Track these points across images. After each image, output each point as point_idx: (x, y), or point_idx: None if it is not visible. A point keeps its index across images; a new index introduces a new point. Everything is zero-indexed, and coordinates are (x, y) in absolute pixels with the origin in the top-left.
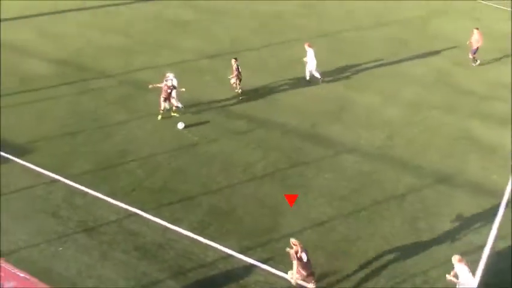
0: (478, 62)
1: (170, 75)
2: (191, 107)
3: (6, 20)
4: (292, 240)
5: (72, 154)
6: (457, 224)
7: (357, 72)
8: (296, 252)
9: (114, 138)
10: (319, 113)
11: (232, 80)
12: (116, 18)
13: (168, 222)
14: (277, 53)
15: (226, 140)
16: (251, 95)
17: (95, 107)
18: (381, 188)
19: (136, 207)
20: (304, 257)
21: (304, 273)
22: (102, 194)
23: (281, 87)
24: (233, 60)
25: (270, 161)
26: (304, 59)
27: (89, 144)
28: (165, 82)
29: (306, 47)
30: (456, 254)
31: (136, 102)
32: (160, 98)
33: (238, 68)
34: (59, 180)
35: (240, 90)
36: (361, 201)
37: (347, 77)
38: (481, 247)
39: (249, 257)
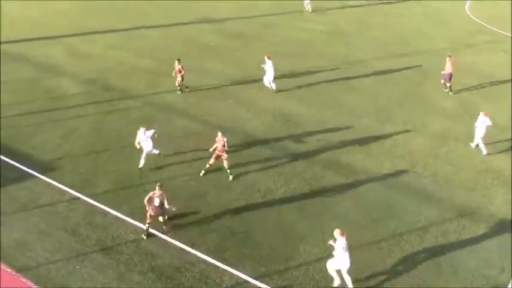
0: (449, 91)
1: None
2: (212, 130)
3: (39, 39)
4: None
5: (94, 173)
6: (479, 260)
7: (381, 101)
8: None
9: (136, 158)
10: (343, 141)
11: (178, 81)
12: (145, 41)
13: (186, 245)
14: (303, 80)
15: (248, 165)
16: (277, 121)
17: (119, 127)
18: (402, 219)
19: (154, 229)
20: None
21: None
22: (122, 213)
23: (306, 115)
24: (176, 62)
25: (290, 188)
26: (263, 65)
27: (112, 164)
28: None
29: (266, 58)
30: None
31: (160, 123)
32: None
33: (181, 69)
34: (80, 198)
35: (180, 90)
36: (381, 232)
37: (372, 105)
38: (505, 285)
39: (266, 284)
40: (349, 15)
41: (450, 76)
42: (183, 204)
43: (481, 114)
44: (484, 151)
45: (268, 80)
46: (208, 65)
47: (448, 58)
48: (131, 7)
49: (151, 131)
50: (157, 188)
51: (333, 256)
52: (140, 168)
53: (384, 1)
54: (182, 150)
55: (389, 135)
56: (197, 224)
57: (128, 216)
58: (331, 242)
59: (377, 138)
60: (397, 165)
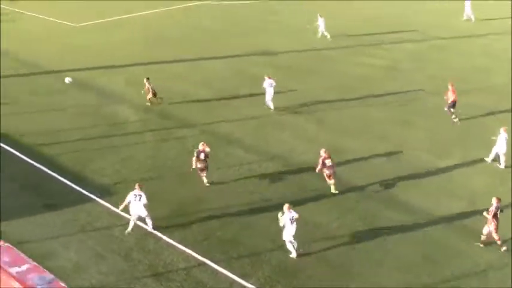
0: (456, 118)
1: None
2: (266, 161)
3: (103, 67)
4: None
5: (149, 198)
6: None
7: (437, 136)
8: None
9: (191, 186)
10: (398, 176)
11: (148, 96)
12: (202, 72)
13: (236, 276)
14: (355, 113)
15: (300, 197)
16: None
17: (175, 155)
18: (461, 261)
19: (206, 257)
20: None
21: None
22: (174, 240)
23: (358, 148)
24: (145, 80)
25: (344, 222)
26: (264, 86)
27: (166, 191)
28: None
29: (266, 78)
30: None
31: (216, 153)
32: None
33: (150, 87)
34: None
35: (154, 101)
36: (438, 274)
37: (428, 141)
38: None
39: None
40: (407, 50)
41: (454, 103)
42: (236, 233)
43: (502, 129)
44: (502, 165)
45: (267, 99)
46: (264, 96)
47: (450, 86)
48: (193, 40)
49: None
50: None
51: (283, 228)
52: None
53: (443, 37)
54: (234, 178)
55: (447, 171)
56: (248, 255)
57: (180, 244)
58: (279, 215)
59: (433, 174)
60: (455, 204)
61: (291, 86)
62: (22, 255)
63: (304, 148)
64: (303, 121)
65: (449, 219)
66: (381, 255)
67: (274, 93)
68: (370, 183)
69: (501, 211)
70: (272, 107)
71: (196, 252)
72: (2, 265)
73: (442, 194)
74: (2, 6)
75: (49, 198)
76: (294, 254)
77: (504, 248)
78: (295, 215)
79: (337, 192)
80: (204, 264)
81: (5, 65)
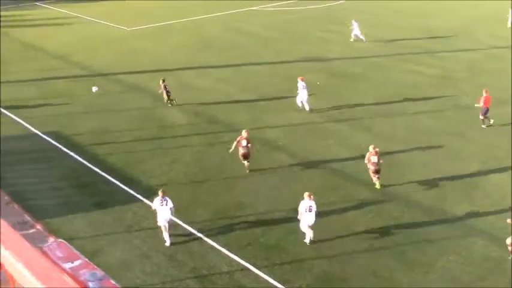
0: (491, 121)
1: None
2: (311, 167)
3: (155, 71)
4: None
5: (194, 201)
6: None
7: (491, 149)
8: None
9: (235, 190)
10: (447, 188)
11: (165, 98)
12: (251, 77)
13: (278, 282)
14: (405, 122)
15: (345, 205)
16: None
17: (221, 159)
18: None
19: (249, 262)
20: None
21: None
22: (218, 244)
23: (409, 158)
24: (160, 81)
25: (389, 233)
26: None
27: (211, 194)
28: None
29: (299, 80)
30: None
31: (261, 158)
32: None
33: (166, 87)
34: (180, 225)
35: (169, 103)
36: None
37: (481, 152)
38: None
39: None
40: (462, 59)
41: (487, 110)
42: (279, 239)
43: None
44: None
45: (301, 100)
46: (310, 102)
47: (484, 93)
48: (243, 45)
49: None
50: (244, 131)
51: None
52: None
53: (500, 46)
54: (278, 184)
55: (499, 186)
56: (290, 261)
57: (224, 248)
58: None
59: (484, 187)
60: (506, 219)
61: (341, 92)
62: (74, 251)
63: (349, 156)
64: (350, 128)
65: (499, 233)
66: (426, 268)
67: (309, 95)
68: (418, 193)
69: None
70: (307, 108)
71: (240, 257)
72: (55, 260)
73: (493, 207)
74: (64, 11)
75: (98, 196)
76: (307, 240)
77: None
78: (313, 206)
79: (379, 187)
80: (247, 269)
81: (62, 66)
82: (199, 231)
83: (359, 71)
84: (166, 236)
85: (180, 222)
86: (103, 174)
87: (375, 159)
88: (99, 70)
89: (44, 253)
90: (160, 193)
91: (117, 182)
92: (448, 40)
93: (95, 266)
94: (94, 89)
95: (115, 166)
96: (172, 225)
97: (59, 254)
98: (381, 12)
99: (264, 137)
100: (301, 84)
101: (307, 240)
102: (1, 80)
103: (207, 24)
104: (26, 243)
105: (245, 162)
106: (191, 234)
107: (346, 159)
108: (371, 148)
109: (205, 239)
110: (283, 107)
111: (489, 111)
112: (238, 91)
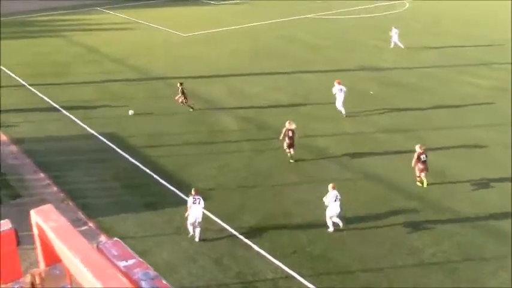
0: None
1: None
2: (362, 179)
3: (208, 76)
4: None
5: (242, 207)
6: None
7: None
8: None
9: (282, 198)
10: (504, 204)
11: (180, 100)
12: (303, 85)
13: None
14: (458, 135)
15: (395, 218)
16: (429, 175)
17: (270, 166)
18: None
19: (293, 270)
20: None
21: None
22: (264, 250)
23: (463, 171)
24: (178, 84)
25: (440, 249)
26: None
27: (259, 200)
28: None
29: (335, 83)
30: None
31: (310, 166)
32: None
33: (183, 90)
34: (226, 230)
35: (189, 107)
36: None
37: None
38: None
39: None
40: None
41: None
42: (325, 249)
43: None
44: None
45: (339, 104)
46: (365, 112)
47: None
48: (296, 53)
49: None
50: (287, 123)
51: (327, 207)
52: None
53: None
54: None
55: None
56: (336, 272)
57: (270, 254)
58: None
59: None
60: None
61: (394, 102)
62: (128, 249)
63: (401, 167)
64: (403, 139)
65: None
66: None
67: (344, 99)
68: (473, 211)
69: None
70: (343, 111)
71: (285, 265)
72: (110, 258)
73: None
74: (123, 16)
75: (149, 197)
76: (331, 229)
77: None
78: (339, 195)
79: (426, 186)
80: (292, 277)
81: (120, 70)
82: (245, 236)
83: (413, 81)
84: (196, 233)
85: (227, 227)
86: (154, 176)
87: (424, 157)
88: (155, 74)
89: (100, 250)
90: (193, 192)
91: (168, 185)
92: (505, 52)
93: (148, 266)
94: (130, 112)
95: (166, 168)
96: (201, 222)
97: (114, 252)
98: (437, 20)
99: (314, 145)
100: (337, 87)
101: (330, 230)
102: (62, 82)
103: (261, 31)
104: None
105: (289, 151)
106: (237, 239)
107: (397, 171)
108: (417, 148)
109: (252, 244)
110: (334, 115)
111: None
112: (290, 98)
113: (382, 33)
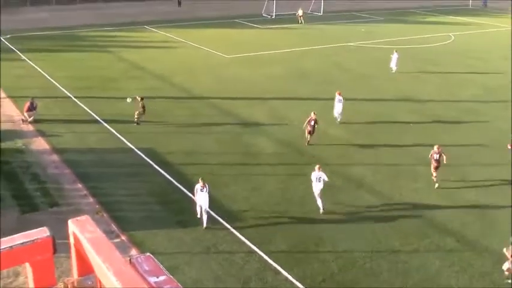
0: None
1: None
2: (397, 210)
3: (248, 98)
4: None
5: (273, 231)
6: None
7: None
8: None
9: (315, 225)
10: None
11: (136, 115)
12: (344, 114)
13: None
14: (502, 173)
15: (429, 254)
16: (469, 214)
17: (304, 192)
18: None
19: None
20: None
21: None
22: (293, 276)
23: (505, 213)
24: (139, 98)
25: None
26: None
27: (291, 226)
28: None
29: (336, 94)
30: None
31: (345, 195)
32: None
33: (143, 105)
34: (256, 253)
35: (136, 121)
36: None
37: None
38: None
39: None
40: None
41: None
42: (356, 279)
43: None
44: None
45: (337, 112)
46: (403, 143)
47: None
48: (337, 79)
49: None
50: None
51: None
52: None
53: None
54: (360, 223)
55: None
56: None
57: (298, 281)
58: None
59: None
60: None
61: (436, 136)
62: (160, 265)
63: (439, 202)
64: (442, 174)
65: None
66: None
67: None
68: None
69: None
70: (339, 119)
71: None
72: (142, 273)
73: None
74: (169, 35)
75: (182, 215)
76: (321, 210)
77: None
78: (323, 176)
79: (437, 187)
80: None
81: (162, 87)
82: (275, 261)
83: (453, 114)
84: (204, 218)
85: (257, 250)
86: (188, 193)
87: (437, 156)
88: (196, 93)
89: (132, 264)
90: (200, 181)
91: None
92: None
93: (178, 284)
94: (128, 99)
95: None
96: (208, 210)
97: (145, 267)
98: (485, 57)
99: (350, 174)
100: (338, 98)
101: (321, 211)
102: (106, 96)
103: (303, 56)
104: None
105: (308, 136)
106: (267, 263)
107: (435, 206)
108: (435, 148)
109: (281, 270)
110: (372, 144)
111: None
112: (327, 125)
113: (427, 64)
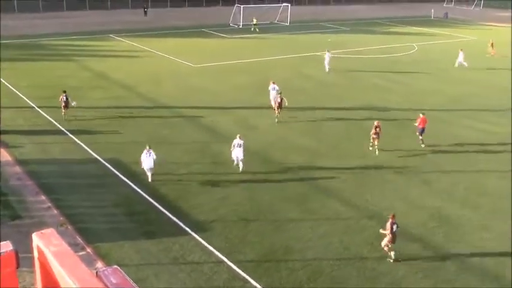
0: (423, 144)
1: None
2: (364, 218)
3: (214, 107)
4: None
5: (241, 240)
6: None
7: None
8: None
9: (283, 233)
10: (507, 256)
11: (62, 110)
12: (312, 122)
13: None
14: (471, 181)
15: (397, 263)
16: (427, 217)
17: (271, 200)
18: None
19: None
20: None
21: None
22: (262, 286)
23: (468, 218)
24: (63, 93)
25: None
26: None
27: (258, 234)
28: None
29: (271, 83)
30: None
31: (313, 203)
32: None
33: (66, 98)
34: (224, 262)
35: (64, 115)
36: None
37: None
38: None
39: None
40: None
41: (422, 130)
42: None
43: None
44: None
45: (272, 99)
46: (366, 151)
47: (421, 114)
48: (304, 89)
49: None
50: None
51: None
52: None
53: None
54: (329, 232)
55: None
56: None
57: None
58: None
59: None
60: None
61: (399, 142)
62: (127, 278)
63: (404, 209)
64: (407, 180)
65: None
66: None
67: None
68: (473, 257)
69: (397, 227)
70: (273, 104)
71: None
72: (109, 286)
73: None
74: (135, 44)
75: (148, 226)
76: (240, 170)
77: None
78: (242, 143)
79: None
80: None
81: (128, 96)
82: (243, 270)
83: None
84: (149, 175)
85: (225, 259)
86: (155, 204)
87: (377, 130)
88: (162, 102)
89: (99, 277)
90: (147, 147)
91: (168, 213)
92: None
93: None
94: (73, 103)
95: (167, 197)
96: (153, 169)
97: (112, 279)
98: (447, 67)
99: (317, 182)
100: (272, 86)
101: (240, 169)
102: (70, 106)
103: (270, 66)
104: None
105: (278, 111)
106: (236, 272)
107: (401, 213)
108: (376, 123)
109: (249, 279)
110: (341, 152)
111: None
112: (295, 134)
113: (391, 73)
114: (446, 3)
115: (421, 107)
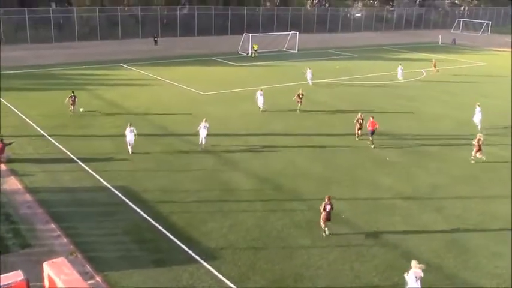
0: (372, 145)
1: None
2: (376, 246)
3: (223, 135)
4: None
5: (251, 267)
6: None
7: None
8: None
9: (293, 261)
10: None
11: (70, 108)
12: (319, 149)
13: None
14: (484, 208)
15: None
16: (439, 243)
17: (282, 227)
18: None
19: None
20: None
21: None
22: None
23: (480, 245)
24: (71, 93)
25: None
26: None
27: (269, 262)
28: None
29: (259, 91)
30: None
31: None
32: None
33: (74, 98)
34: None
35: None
36: None
37: None
38: None
39: None
40: None
41: (373, 132)
42: None
43: None
44: None
45: (260, 104)
46: (378, 179)
47: (371, 117)
48: (312, 115)
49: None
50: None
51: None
52: None
53: None
54: (340, 260)
55: None
56: None
57: None
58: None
59: None
60: None
61: (411, 170)
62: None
63: (415, 235)
64: (419, 207)
65: None
66: None
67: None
68: (486, 283)
69: (332, 208)
70: (261, 107)
71: None
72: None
73: None
74: (145, 72)
75: (158, 254)
76: (202, 146)
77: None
78: (208, 126)
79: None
80: None
81: (138, 124)
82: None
83: (433, 150)
84: (129, 148)
85: None
86: (165, 232)
87: (360, 121)
88: (172, 130)
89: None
90: (129, 125)
91: (177, 241)
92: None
93: None
94: (81, 109)
95: (177, 225)
96: (133, 144)
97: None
98: (457, 91)
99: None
100: (259, 93)
101: (202, 145)
102: (81, 134)
103: (278, 93)
104: None
105: (299, 106)
106: None
107: (412, 239)
108: (359, 114)
109: None
110: (351, 180)
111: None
112: (306, 161)
113: (397, 98)
114: (454, 30)
115: (432, 132)
